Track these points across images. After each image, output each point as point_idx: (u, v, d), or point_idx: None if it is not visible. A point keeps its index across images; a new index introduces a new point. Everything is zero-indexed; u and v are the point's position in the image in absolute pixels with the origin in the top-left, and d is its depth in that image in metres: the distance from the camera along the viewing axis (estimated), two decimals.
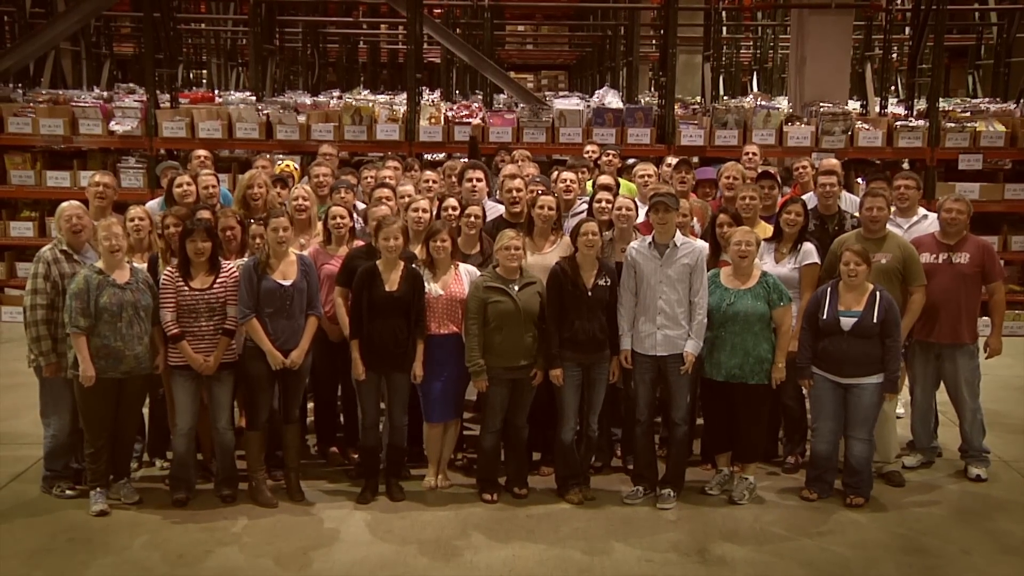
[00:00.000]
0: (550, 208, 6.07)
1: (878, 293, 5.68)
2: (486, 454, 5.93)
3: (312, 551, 5.20)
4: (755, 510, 5.76)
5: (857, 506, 5.76)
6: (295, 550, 5.20)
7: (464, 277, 5.87)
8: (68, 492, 5.82)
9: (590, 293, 5.68)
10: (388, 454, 5.95)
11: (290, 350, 5.65)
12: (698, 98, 13.50)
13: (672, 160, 7.92)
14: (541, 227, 6.10)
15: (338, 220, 6.12)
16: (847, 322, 5.64)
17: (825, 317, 5.70)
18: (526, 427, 5.95)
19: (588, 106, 10.24)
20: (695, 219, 6.54)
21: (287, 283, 5.63)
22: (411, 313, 5.74)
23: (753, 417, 5.84)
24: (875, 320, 5.62)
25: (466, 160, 8.10)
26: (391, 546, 5.27)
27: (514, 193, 6.52)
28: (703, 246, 5.89)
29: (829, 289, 5.77)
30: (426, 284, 5.79)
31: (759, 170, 7.28)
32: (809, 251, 6.15)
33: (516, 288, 5.67)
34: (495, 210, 6.79)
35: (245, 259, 5.88)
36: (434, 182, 7.16)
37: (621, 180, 7.82)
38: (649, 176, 7.16)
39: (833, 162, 7.44)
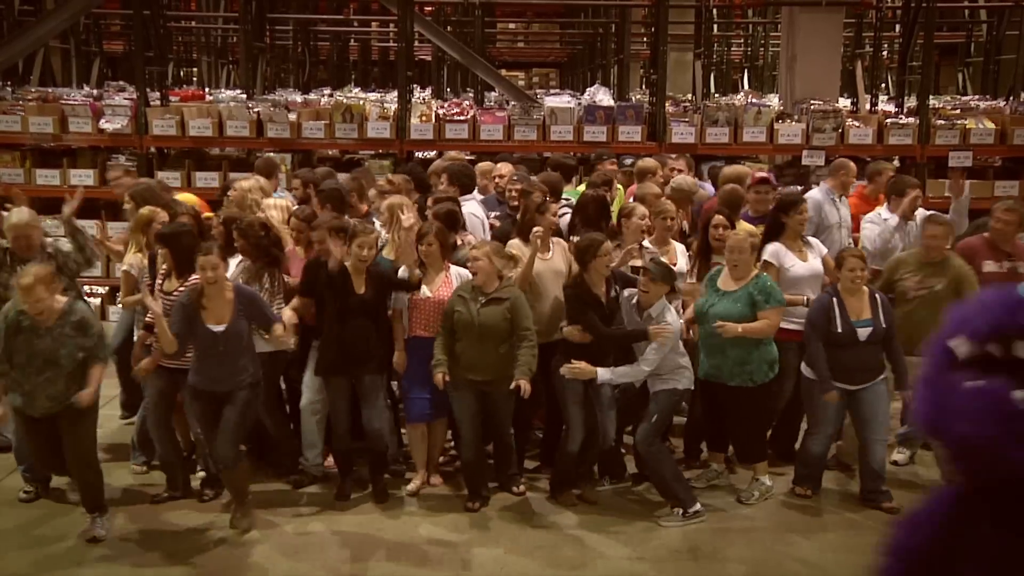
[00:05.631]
0: (554, 215, 6.15)
1: (877, 296, 5.63)
2: (466, 467, 5.89)
3: (302, 552, 5.19)
4: (746, 508, 5.77)
5: (893, 511, 5.58)
6: (282, 551, 5.19)
7: (455, 280, 5.86)
8: (22, 495, 5.75)
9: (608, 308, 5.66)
10: (369, 459, 5.90)
11: (219, 393, 5.34)
12: (689, 96, 13.52)
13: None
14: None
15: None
16: (863, 332, 5.54)
17: (840, 329, 5.57)
18: (511, 435, 5.93)
19: (579, 104, 10.24)
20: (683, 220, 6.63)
21: (219, 328, 5.29)
22: (379, 315, 5.73)
23: (739, 418, 5.80)
24: (884, 325, 5.56)
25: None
26: (383, 547, 5.27)
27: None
28: (666, 308, 5.64)
29: (834, 299, 5.63)
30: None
31: (756, 175, 7.31)
32: (818, 241, 6.29)
33: (479, 303, 5.54)
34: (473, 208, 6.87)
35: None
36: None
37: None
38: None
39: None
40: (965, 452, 2.03)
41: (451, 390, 5.63)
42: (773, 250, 6.13)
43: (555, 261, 6.03)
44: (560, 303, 5.83)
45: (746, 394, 5.69)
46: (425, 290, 5.80)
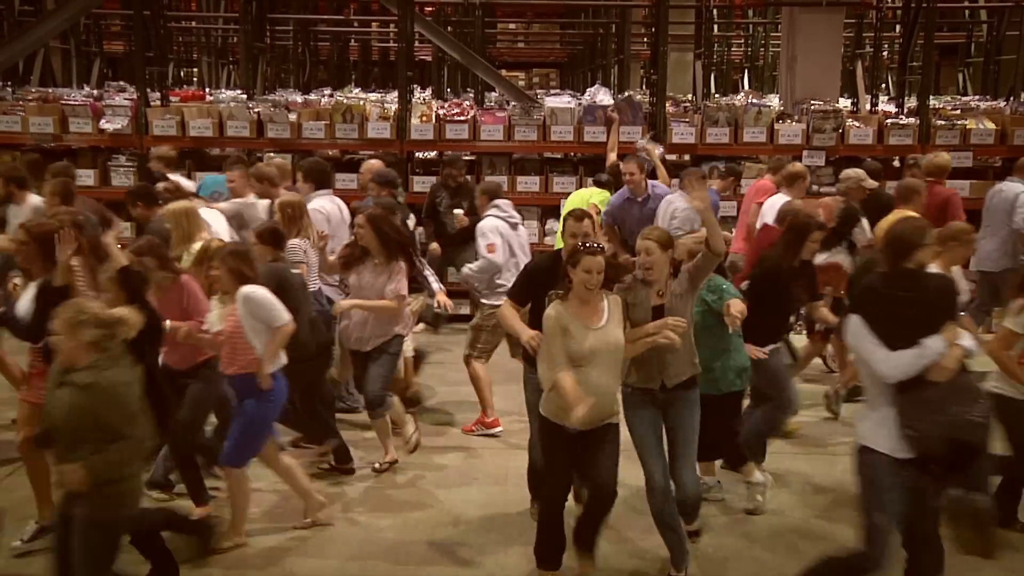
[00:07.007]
0: (599, 272, 4.32)
1: None
2: None
3: (302, 546, 5.20)
4: (741, 507, 5.77)
5: None
6: (276, 554, 5.20)
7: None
8: None
9: None
10: None
11: None
12: (689, 96, 13.53)
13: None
14: (584, 296, 4.40)
15: None
16: None
17: None
18: None
19: (580, 104, 10.25)
20: None
21: None
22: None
23: (717, 424, 5.20)
24: None
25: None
26: (383, 546, 5.28)
27: None
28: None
29: None
30: None
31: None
32: None
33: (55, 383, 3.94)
34: None
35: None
36: None
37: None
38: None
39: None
40: None
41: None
42: None
43: (610, 329, 4.42)
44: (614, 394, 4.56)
45: (710, 402, 5.05)
46: (214, 320, 5.17)
